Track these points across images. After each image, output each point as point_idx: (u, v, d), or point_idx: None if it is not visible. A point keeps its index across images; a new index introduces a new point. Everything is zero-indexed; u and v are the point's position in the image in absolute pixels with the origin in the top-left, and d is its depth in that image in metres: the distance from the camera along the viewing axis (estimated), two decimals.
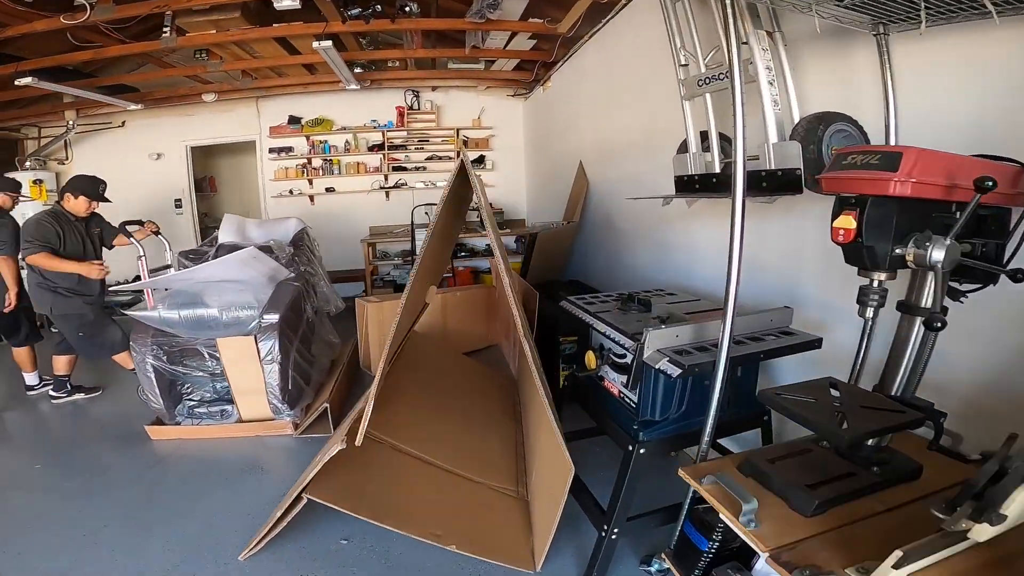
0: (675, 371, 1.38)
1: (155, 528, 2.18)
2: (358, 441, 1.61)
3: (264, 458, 2.83)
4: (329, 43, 3.72)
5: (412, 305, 2.01)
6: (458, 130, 6.18)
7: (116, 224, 3.51)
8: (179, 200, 5.81)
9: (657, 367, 1.45)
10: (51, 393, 3.68)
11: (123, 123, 5.74)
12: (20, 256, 3.20)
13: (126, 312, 2.86)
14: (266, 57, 4.56)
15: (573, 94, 4.58)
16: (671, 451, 1.68)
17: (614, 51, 3.65)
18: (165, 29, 3.64)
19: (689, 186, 2.05)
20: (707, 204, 2.18)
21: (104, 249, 3.56)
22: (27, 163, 5.46)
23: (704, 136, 1.97)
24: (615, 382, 1.79)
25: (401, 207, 6.16)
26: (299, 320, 3.26)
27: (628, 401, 1.71)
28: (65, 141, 5.64)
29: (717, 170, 1.92)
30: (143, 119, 5.73)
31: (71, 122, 5.30)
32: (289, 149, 5.94)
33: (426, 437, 2.44)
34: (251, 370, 2.96)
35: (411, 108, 6.10)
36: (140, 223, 3.57)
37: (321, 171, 5.96)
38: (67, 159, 5.77)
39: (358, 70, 4.99)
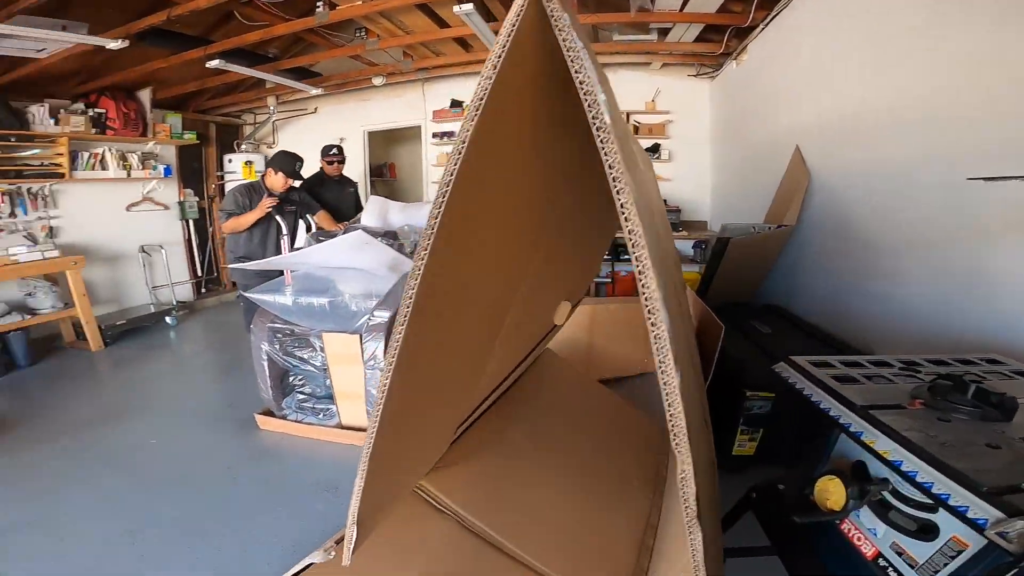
0: None
1: (196, 540, 1.98)
2: (345, 560, 0.95)
3: (345, 476, 2.45)
4: (470, 6, 3.25)
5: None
6: (628, 114, 5.27)
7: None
8: (356, 184, 5.98)
9: None
10: None
11: (315, 109, 6.14)
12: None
13: (242, 292, 2.71)
14: (417, 32, 4.32)
15: (781, 64, 3.41)
16: None
17: None
18: (319, 4, 3.57)
19: None
20: None
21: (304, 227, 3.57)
22: (242, 146, 6.18)
23: None
24: (875, 536, 0.85)
25: None
26: None
27: None
28: (273, 126, 6.25)
29: None
30: (331, 105, 6.05)
31: (272, 107, 5.80)
32: (451, 134, 5.73)
33: (514, 508, 1.69)
34: (353, 372, 2.59)
35: None
36: None
37: None
38: (274, 143, 6.40)
39: None
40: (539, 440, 2.15)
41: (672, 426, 0.55)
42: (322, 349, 2.74)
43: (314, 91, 5.31)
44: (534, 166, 0.78)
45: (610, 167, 0.50)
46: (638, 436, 2.41)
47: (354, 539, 0.89)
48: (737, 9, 3.59)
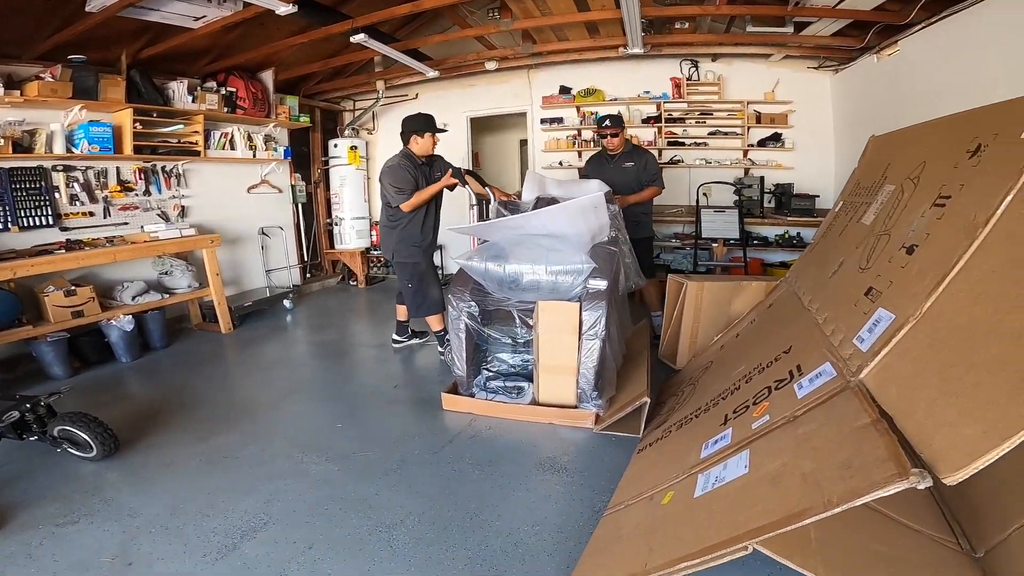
0: None
1: (454, 533, 1.80)
2: None
3: (561, 454, 2.34)
4: None
5: None
6: (747, 102, 5.17)
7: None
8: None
9: None
10: (393, 336, 3.84)
11: (416, 95, 6.12)
12: (394, 205, 3.19)
13: (454, 258, 2.63)
14: (555, 13, 4.28)
15: (955, 58, 3.35)
16: None
17: None
18: None
19: None
20: None
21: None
22: (346, 131, 6.20)
23: None
24: None
25: (674, 185, 5.40)
26: (616, 292, 2.71)
27: None
28: (372, 113, 6.23)
29: None
30: (432, 92, 6.02)
31: (380, 91, 5.77)
32: (559, 120, 5.65)
33: None
34: (566, 343, 2.49)
35: (689, 79, 5.30)
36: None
37: (592, 143, 5.53)
38: (374, 129, 6.41)
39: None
40: None
41: None
42: (522, 321, 2.65)
43: (431, 73, 5.26)
44: None
45: None
46: None
47: None
48: (893, 7, 3.63)
